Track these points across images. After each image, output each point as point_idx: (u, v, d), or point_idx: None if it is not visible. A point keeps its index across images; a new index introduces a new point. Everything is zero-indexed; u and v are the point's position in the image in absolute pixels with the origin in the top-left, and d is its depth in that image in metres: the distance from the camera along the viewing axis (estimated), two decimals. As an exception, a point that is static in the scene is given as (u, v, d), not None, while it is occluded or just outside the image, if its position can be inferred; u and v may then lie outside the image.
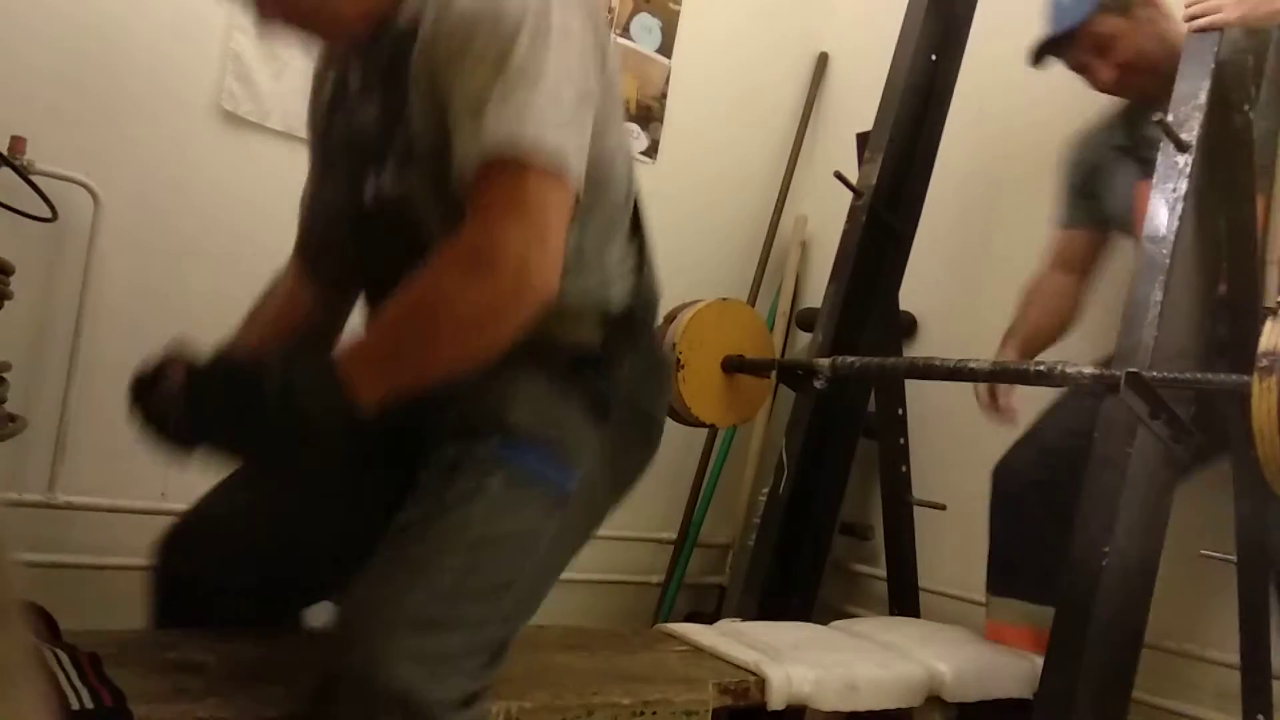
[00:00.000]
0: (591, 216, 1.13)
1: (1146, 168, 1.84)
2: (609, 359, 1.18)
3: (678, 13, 2.65)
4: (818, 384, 1.89)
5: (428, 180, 1.07)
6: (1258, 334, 1.30)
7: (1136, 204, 1.89)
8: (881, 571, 2.17)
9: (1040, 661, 1.55)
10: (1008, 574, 1.90)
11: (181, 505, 1.35)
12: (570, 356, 1.16)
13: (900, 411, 2.18)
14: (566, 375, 1.15)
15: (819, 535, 2.07)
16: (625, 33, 2.55)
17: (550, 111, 1.00)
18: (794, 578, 1.99)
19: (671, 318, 2.18)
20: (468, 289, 0.98)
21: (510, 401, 1.11)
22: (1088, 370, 1.54)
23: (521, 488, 1.07)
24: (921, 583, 2.13)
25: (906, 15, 2.19)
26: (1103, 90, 1.95)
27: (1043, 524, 1.87)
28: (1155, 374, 1.44)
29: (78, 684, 1.02)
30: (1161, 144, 1.61)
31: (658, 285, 1.29)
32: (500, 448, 1.08)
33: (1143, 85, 1.87)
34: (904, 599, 2.11)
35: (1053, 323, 2.01)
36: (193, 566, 1.22)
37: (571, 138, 1.02)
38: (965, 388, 2.02)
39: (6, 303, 1.50)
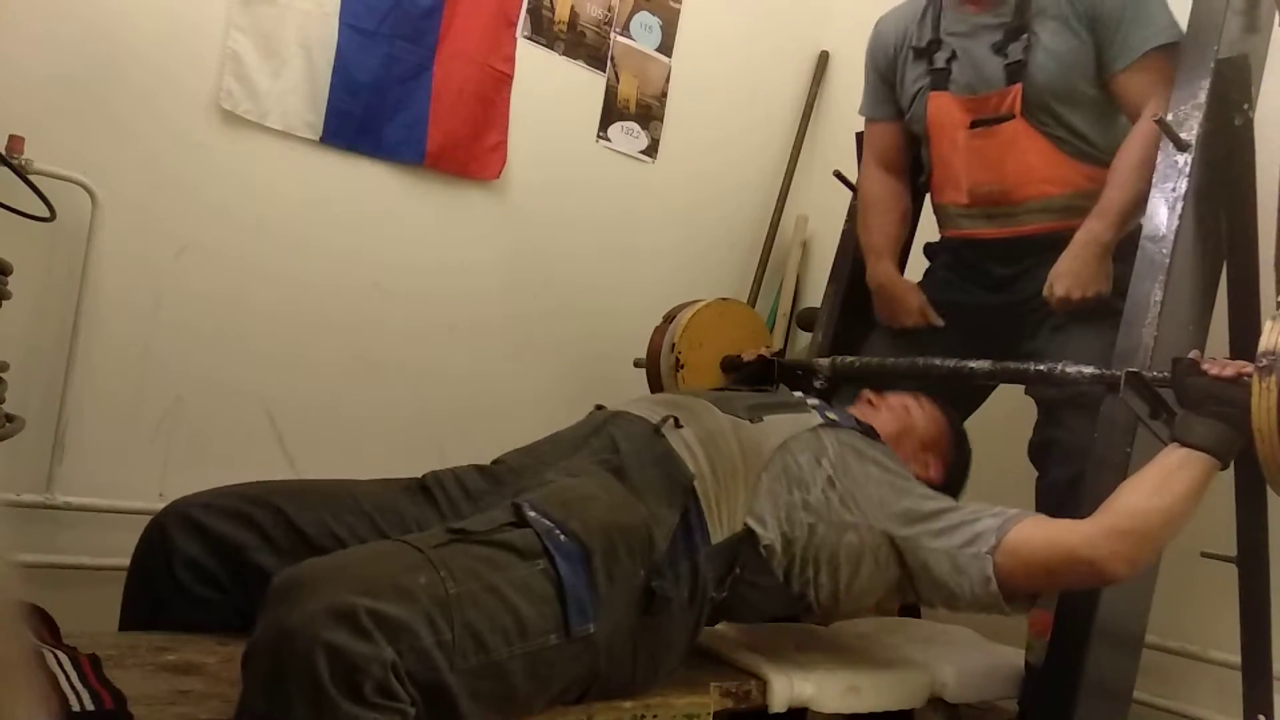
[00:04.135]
0: None
1: (936, 77, 1.86)
2: None
3: (678, 11, 2.64)
4: (817, 384, 1.88)
5: None
6: (1257, 333, 1.30)
7: (930, 116, 1.89)
8: (882, 571, 2.15)
9: (1042, 662, 1.55)
10: None
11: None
12: None
13: (900, 411, 2.17)
14: None
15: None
16: (625, 31, 2.55)
17: None
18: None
19: (671, 317, 2.18)
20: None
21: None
22: (1087, 370, 1.54)
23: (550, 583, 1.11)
24: (922, 582, 2.11)
25: (906, 14, 2.19)
26: None
27: None
28: (1155, 373, 1.43)
29: (78, 685, 1.01)
30: (1161, 143, 1.61)
31: None
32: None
33: None
34: (904, 599, 2.10)
35: (901, 227, 2.05)
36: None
37: None
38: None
39: (4, 302, 1.49)
